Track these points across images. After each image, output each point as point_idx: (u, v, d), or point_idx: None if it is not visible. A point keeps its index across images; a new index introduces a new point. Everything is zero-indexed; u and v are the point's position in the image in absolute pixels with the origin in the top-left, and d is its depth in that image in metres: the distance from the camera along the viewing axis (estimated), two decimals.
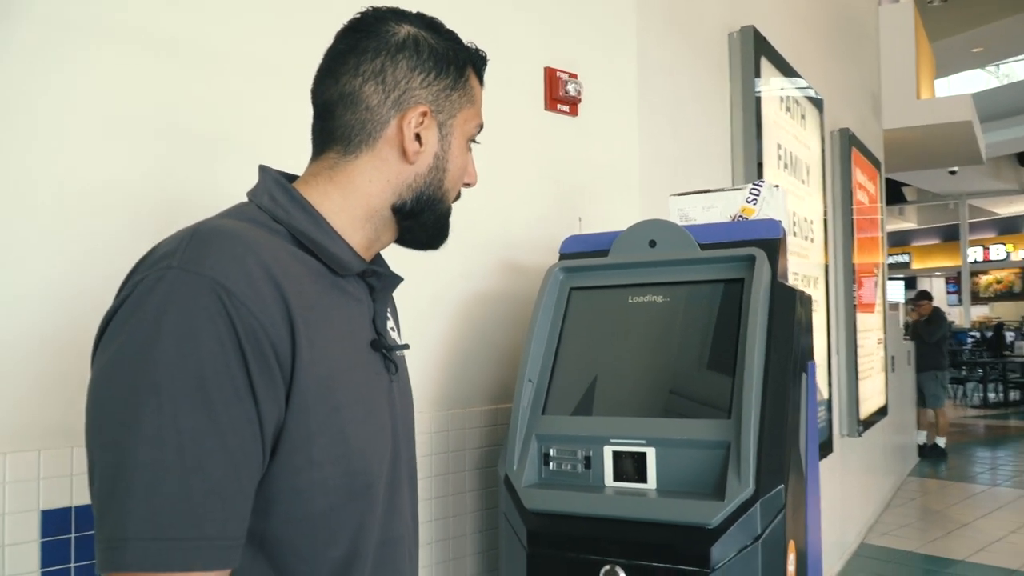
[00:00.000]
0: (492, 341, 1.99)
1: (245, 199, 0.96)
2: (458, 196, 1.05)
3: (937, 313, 8.48)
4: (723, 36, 3.14)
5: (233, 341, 0.76)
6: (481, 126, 1.04)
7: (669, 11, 2.71)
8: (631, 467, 1.51)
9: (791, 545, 1.45)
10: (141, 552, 0.71)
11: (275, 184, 0.94)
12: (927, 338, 8.23)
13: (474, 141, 1.04)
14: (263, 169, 0.97)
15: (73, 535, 1.22)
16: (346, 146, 0.95)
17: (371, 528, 0.91)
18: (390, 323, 1.07)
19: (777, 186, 1.73)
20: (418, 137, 0.96)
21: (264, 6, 1.53)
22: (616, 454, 1.52)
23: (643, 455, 1.50)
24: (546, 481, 1.58)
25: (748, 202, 1.73)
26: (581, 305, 1.72)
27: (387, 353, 0.98)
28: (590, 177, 2.30)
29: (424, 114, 0.96)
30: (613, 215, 2.31)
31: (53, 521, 1.20)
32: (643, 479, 1.49)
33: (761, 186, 1.72)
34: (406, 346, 1.06)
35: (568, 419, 1.60)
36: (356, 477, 0.88)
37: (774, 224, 1.64)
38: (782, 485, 1.40)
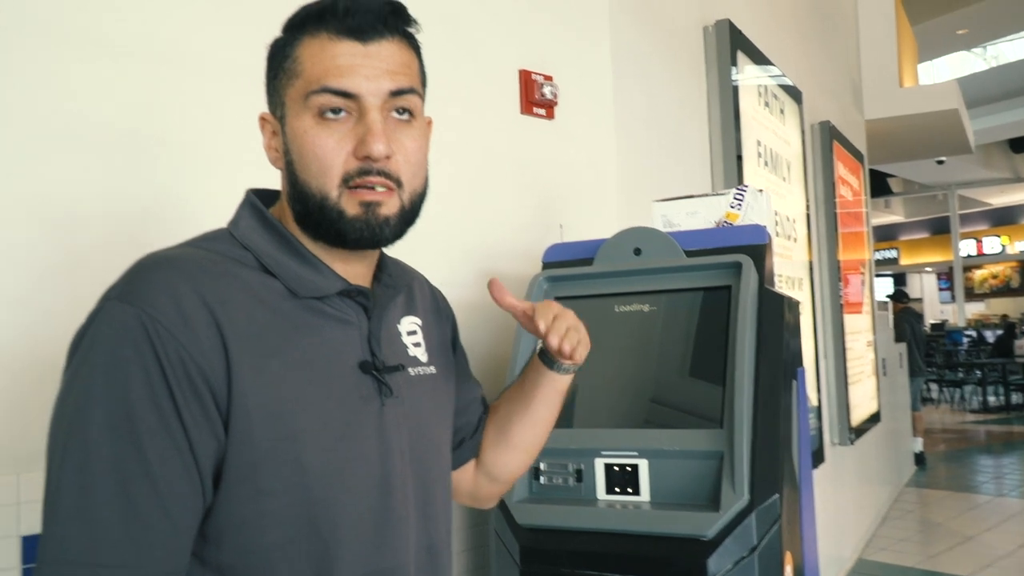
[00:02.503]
0: (475, 351, 2.09)
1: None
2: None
3: (899, 314, 8.70)
4: (697, 31, 3.29)
5: (158, 370, 0.84)
6: (324, 89, 0.94)
7: (642, 6, 2.85)
8: (623, 479, 1.63)
9: (788, 556, 1.58)
10: (55, 574, 0.81)
11: (248, 207, 1.03)
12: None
13: (333, 112, 0.95)
14: (245, 192, 1.05)
15: None
16: None
17: (343, 560, 0.95)
18: (414, 338, 1.14)
19: (761, 190, 1.86)
20: (271, 146, 1.03)
21: (239, 16, 1.63)
22: (608, 466, 1.64)
23: (635, 467, 1.62)
24: (537, 495, 1.69)
25: (732, 207, 1.86)
26: None
27: (379, 375, 1.02)
28: (569, 182, 2.43)
29: (263, 121, 1.03)
30: (593, 221, 2.44)
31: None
32: (636, 491, 1.61)
33: (745, 191, 1.86)
34: (398, 367, 1.06)
35: (557, 431, 1.71)
36: (317, 506, 0.93)
37: (759, 229, 1.77)
38: (777, 495, 1.52)
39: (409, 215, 1.01)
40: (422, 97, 1.03)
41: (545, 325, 1.16)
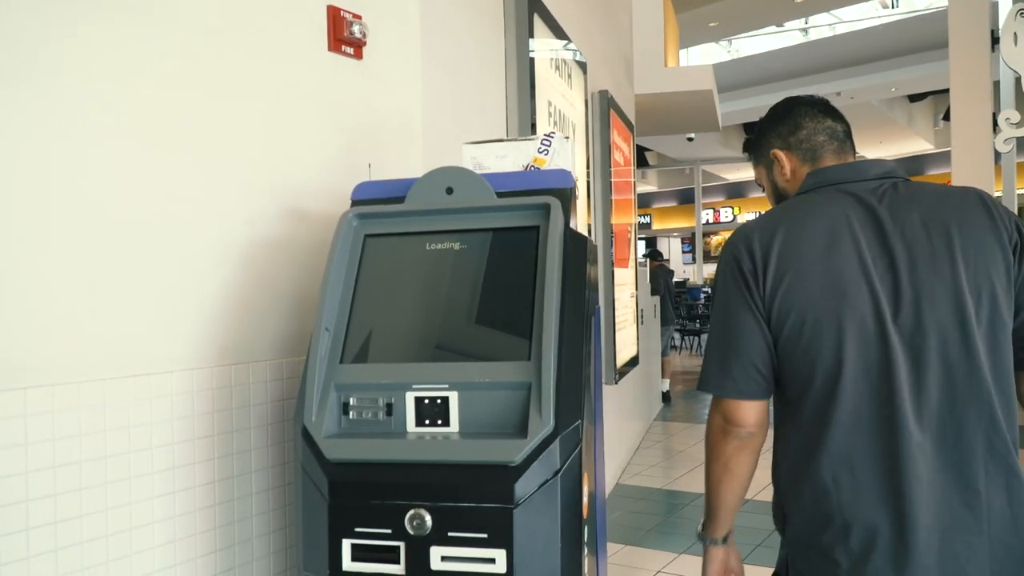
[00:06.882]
0: (279, 290, 1.93)
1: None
2: None
3: (655, 271, 9.26)
4: None
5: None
6: None
7: None
8: (434, 411, 1.54)
9: (586, 478, 1.57)
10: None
11: (899, 168, 1.52)
12: None
13: None
14: (879, 161, 1.53)
15: None
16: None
17: None
18: None
19: (567, 137, 1.82)
20: None
21: None
22: (418, 399, 1.55)
23: (446, 399, 1.54)
24: (346, 431, 1.58)
25: (540, 152, 1.81)
26: (377, 252, 1.72)
27: None
28: (376, 123, 2.28)
29: None
30: (400, 163, 2.31)
31: None
32: (447, 423, 1.54)
33: (552, 137, 1.81)
34: None
35: (368, 367, 1.60)
36: None
37: (566, 174, 1.73)
38: (580, 420, 1.50)
39: None
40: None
41: None
